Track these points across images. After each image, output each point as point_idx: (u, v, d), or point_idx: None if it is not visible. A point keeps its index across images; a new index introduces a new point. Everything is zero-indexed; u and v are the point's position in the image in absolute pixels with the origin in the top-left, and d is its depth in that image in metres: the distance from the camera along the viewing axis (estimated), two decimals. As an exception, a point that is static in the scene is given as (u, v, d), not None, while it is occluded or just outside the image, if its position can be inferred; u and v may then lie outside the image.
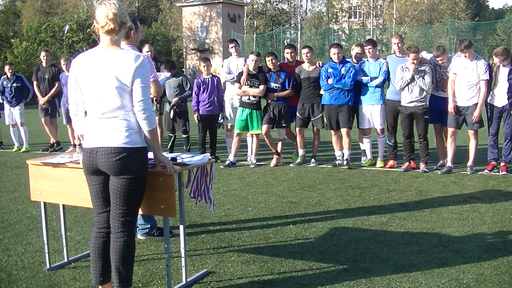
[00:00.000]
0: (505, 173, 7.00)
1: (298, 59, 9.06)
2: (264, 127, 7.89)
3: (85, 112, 3.25)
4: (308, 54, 7.92)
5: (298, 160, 8.16)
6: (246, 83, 7.88)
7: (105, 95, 3.05)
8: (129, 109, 3.07)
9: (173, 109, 8.53)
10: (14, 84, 10.22)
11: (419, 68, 7.11)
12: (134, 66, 3.02)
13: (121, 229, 3.17)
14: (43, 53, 10.21)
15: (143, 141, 3.17)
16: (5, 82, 10.25)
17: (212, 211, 3.99)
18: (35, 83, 10.05)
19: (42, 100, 9.94)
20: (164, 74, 4.88)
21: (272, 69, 7.96)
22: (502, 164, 7.10)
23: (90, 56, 3.14)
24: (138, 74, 3.03)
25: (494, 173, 7.07)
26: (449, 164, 7.28)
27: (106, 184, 3.17)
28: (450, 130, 7.16)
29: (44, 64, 10.07)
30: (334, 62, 7.65)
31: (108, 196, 3.19)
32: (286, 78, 7.90)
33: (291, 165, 8.10)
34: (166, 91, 8.49)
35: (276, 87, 7.87)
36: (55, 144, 10.18)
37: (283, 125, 8.05)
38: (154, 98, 8.74)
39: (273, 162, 8.13)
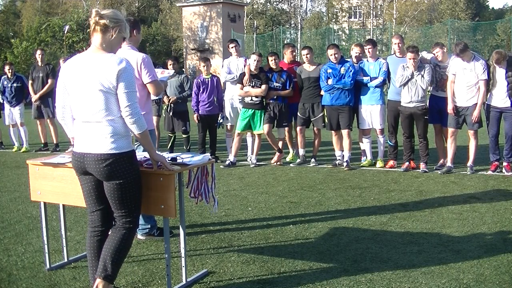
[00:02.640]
0: (511, 172, 7.00)
1: (298, 59, 9.12)
2: (266, 126, 7.91)
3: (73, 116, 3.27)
4: (308, 55, 7.93)
5: (299, 160, 8.17)
6: (249, 84, 7.89)
7: (90, 99, 3.05)
8: (115, 114, 3.06)
9: (170, 107, 8.53)
10: (15, 84, 10.23)
11: (419, 66, 7.13)
12: (117, 69, 3.00)
13: (122, 226, 3.21)
14: (38, 52, 10.24)
15: (130, 145, 3.17)
16: (5, 82, 10.27)
17: (216, 209, 4.00)
18: (30, 82, 10.07)
19: (34, 97, 9.94)
20: (167, 72, 4.87)
21: (274, 69, 7.98)
22: (505, 163, 7.10)
23: (77, 60, 3.16)
24: (121, 79, 3.01)
25: (494, 173, 7.07)
26: (449, 164, 7.28)
27: (97, 182, 3.19)
28: (450, 130, 7.16)
29: (39, 63, 10.09)
30: (333, 62, 7.66)
31: (100, 194, 3.21)
32: (288, 78, 7.92)
33: (291, 165, 8.11)
34: (167, 89, 8.49)
35: (277, 86, 7.89)
36: (46, 144, 10.27)
37: (284, 124, 8.08)
38: (155, 100, 8.77)
39: (274, 159, 8.19)
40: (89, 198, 3.27)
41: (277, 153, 8.22)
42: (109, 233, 3.25)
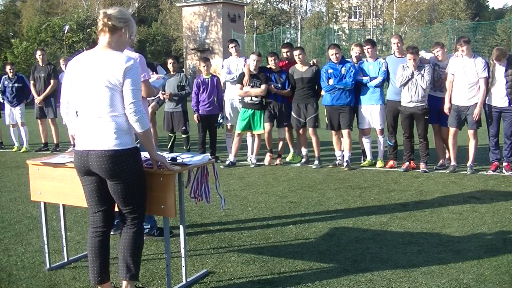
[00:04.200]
0: (511, 172, 7.01)
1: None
2: (267, 125, 7.93)
3: (76, 112, 3.27)
4: (300, 56, 7.89)
5: (303, 160, 8.16)
6: (248, 84, 7.88)
7: (95, 95, 3.06)
8: (120, 110, 3.07)
9: (157, 101, 8.36)
10: (16, 84, 10.25)
11: (419, 65, 7.13)
12: (124, 66, 3.02)
13: (131, 223, 3.24)
14: (38, 52, 10.27)
15: (134, 141, 3.17)
16: (6, 82, 10.28)
17: (223, 207, 4.07)
18: (31, 82, 10.09)
19: (38, 99, 9.96)
20: (162, 77, 4.85)
21: (274, 69, 7.98)
22: (505, 163, 7.10)
23: (84, 57, 3.17)
24: (128, 76, 3.02)
25: (494, 173, 7.06)
26: (453, 163, 7.27)
27: (99, 183, 3.18)
28: (452, 129, 7.15)
29: (40, 63, 10.10)
30: (333, 62, 7.66)
31: (103, 195, 3.21)
32: (287, 78, 7.93)
33: (298, 164, 8.09)
34: (166, 89, 8.47)
35: (277, 87, 7.90)
36: (47, 144, 10.30)
37: (284, 124, 8.09)
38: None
39: (266, 159, 8.20)
40: (91, 199, 3.27)
41: (268, 154, 8.20)
42: (122, 233, 3.27)
